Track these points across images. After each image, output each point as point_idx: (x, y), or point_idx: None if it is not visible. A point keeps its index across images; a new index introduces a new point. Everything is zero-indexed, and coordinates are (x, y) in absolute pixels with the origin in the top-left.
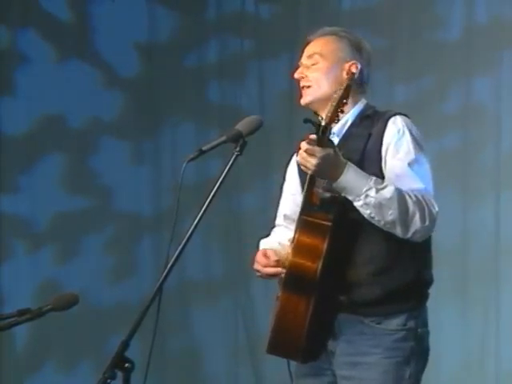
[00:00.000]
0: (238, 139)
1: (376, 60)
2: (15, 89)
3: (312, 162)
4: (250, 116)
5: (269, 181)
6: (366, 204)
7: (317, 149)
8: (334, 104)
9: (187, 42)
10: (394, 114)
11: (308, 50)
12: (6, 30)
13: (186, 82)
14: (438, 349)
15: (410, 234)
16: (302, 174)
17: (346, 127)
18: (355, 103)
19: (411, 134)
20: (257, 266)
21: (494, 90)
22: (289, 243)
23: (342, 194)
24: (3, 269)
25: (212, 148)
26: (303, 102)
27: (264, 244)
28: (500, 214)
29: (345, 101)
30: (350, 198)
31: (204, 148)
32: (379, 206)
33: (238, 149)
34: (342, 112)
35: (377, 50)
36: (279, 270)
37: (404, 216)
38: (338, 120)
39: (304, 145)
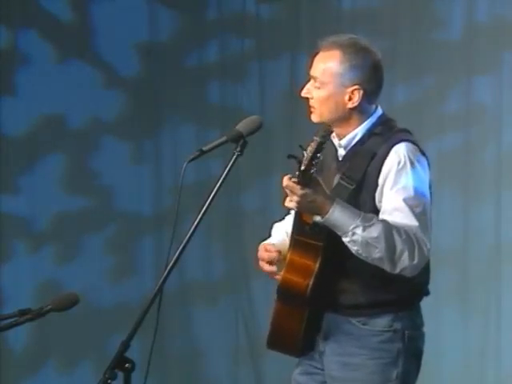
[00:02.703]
0: (239, 139)
1: None
2: (15, 89)
3: (293, 199)
4: (251, 116)
5: (269, 181)
6: (353, 241)
7: (296, 187)
8: (311, 155)
9: (187, 41)
10: (399, 141)
11: (313, 68)
12: (6, 29)
13: (187, 82)
14: (439, 350)
15: (397, 271)
16: None
17: (354, 142)
18: (366, 118)
19: (412, 165)
20: (261, 263)
21: (495, 90)
22: None
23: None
24: (3, 269)
25: (212, 148)
26: (312, 120)
27: (276, 228)
28: (501, 215)
29: (319, 155)
30: (338, 233)
31: (204, 148)
32: (366, 244)
33: (238, 149)
34: (319, 159)
35: (377, 49)
36: (274, 269)
37: (391, 254)
38: (317, 164)
39: (285, 181)
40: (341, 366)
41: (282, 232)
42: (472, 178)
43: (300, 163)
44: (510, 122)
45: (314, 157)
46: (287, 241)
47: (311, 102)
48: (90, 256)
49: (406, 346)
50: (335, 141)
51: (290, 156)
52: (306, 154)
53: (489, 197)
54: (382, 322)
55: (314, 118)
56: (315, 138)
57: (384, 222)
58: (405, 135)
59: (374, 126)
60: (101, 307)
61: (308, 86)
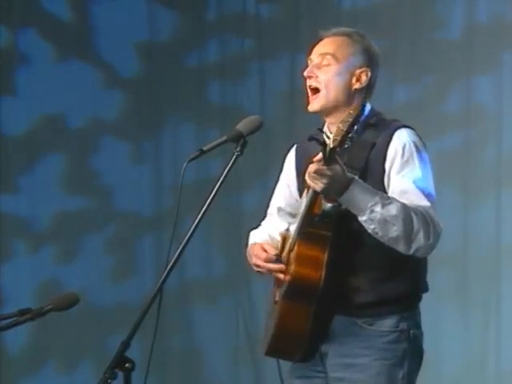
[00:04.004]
0: (239, 139)
1: None
2: (15, 89)
3: (322, 181)
4: (251, 116)
5: (269, 181)
6: (371, 219)
7: (325, 170)
8: (345, 129)
9: (187, 41)
10: (400, 127)
11: (320, 48)
12: (6, 29)
13: (187, 82)
14: (439, 350)
15: (412, 251)
16: (299, 169)
17: (350, 134)
18: (360, 108)
19: (417, 149)
20: (257, 261)
21: (495, 90)
22: (279, 237)
23: (347, 208)
24: (3, 269)
25: (213, 148)
26: (311, 109)
27: (254, 236)
28: (501, 215)
29: (355, 127)
30: (355, 212)
31: (204, 148)
32: (384, 221)
33: (238, 149)
34: (351, 138)
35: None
36: (282, 266)
37: (408, 233)
38: (348, 144)
39: (313, 166)
40: (346, 368)
41: (264, 234)
42: (472, 177)
43: (324, 145)
44: (510, 122)
45: (349, 131)
46: (269, 241)
47: (313, 83)
48: (90, 256)
49: (411, 345)
50: (329, 134)
51: (312, 138)
52: (339, 128)
53: (489, 197)
54: (388, 323)
55: (317, 103)
56: (350, 112)
57: (400, 201)
58: (402, 123)
59: (367, 118)
60: (101, 307)
61: (312, 64)
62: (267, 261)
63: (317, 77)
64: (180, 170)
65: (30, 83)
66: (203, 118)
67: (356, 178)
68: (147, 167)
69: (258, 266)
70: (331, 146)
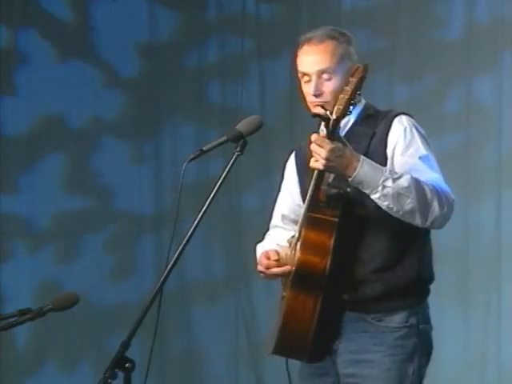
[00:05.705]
0: (239, 139)
1: (376, 60)
2: (15, 89)
3: (322, 155)
4: (251, 116)
5: (269, 181)
6: (384, 195)
7: (326, 141)
8: (347, 97)
9: (187, 41)
10: (399, 114)
11: (315, 65)
12: (6, 29)
13: (187, 82)
14: (439, 349)
15: (429, 222)
16: (300, 172)
17: (349, 126)
18: (357, 102)
19: (418, 131)
20: (260, 268)
21: (495, 90)
22: (287, 244)
23: (359, 188)
24: (3, 269)
25: (213, 148)
26: (317, 111)
27: (261, 248)
28: (501, 214)
29: (358, 92)
30: (367, 191)
31: (205, 148)
32: (397, 195)
33: (238, 149)
34: (355, 105)
35: (377, 49)
36: (286, 268)
37: (423, 204)
38: (351, 112)
39: (314, 136)
40: (356, 364)
41: (271, 244)
42: (472, 177)
43: (328, 120)
44: (510, 122)
45: (351, 98)
46: (279, 248)
47: (322, 99)
48: (90, 256)
49: (420, 340)
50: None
51: (316, 115)
52: (340, 98)
53: (489, 197)
54: (397, 318)
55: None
56: (352, 79)
57: (409, 174)
58: (399, 110)
59: (364, 110)
60: (101, 307)
61: (315, 83)
62: (269, 267)
63: (324, 93)
64: (180, 170)
65: (30, 83)
66: (203, 118)
67: (363, 156)
68: (147, 167)
69: (262, 273)
70: (334, 116)
